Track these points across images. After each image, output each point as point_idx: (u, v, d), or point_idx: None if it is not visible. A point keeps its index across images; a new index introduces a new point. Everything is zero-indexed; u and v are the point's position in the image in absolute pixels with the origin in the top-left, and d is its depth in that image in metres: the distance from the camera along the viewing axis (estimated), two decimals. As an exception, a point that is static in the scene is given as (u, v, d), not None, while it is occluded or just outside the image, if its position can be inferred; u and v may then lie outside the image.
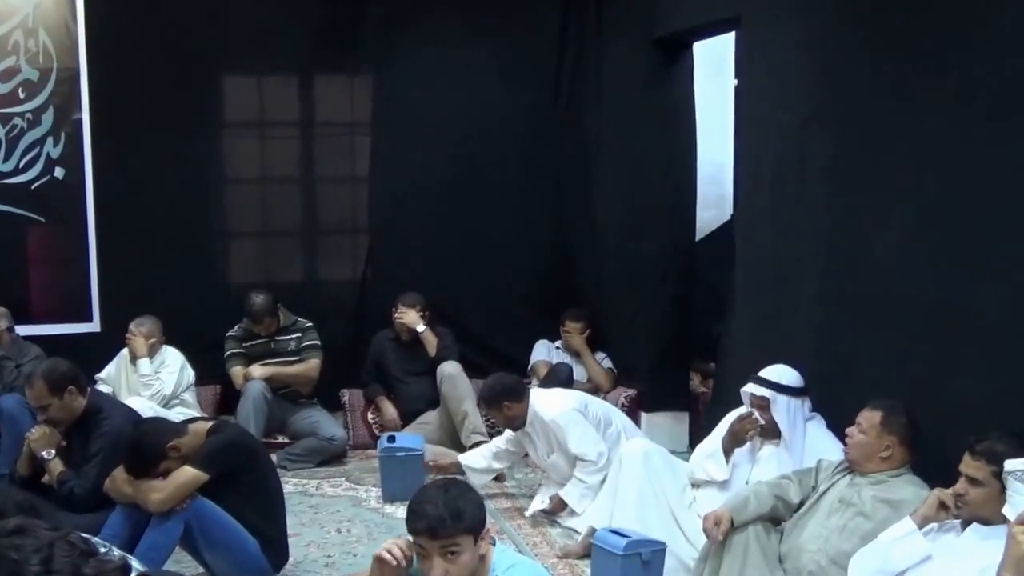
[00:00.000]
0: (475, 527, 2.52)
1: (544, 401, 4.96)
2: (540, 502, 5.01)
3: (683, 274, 6.24)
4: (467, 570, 2.52)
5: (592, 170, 6.71)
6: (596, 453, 4.67)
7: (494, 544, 2.69)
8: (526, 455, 5.31)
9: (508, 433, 5.13)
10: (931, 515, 3.01)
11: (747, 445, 4.16)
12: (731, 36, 5.81)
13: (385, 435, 5.70)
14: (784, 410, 3.99)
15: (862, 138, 4.05)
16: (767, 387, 4.02)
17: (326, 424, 6.15)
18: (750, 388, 4.09)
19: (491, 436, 5.63)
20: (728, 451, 4.18)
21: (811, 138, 4.37)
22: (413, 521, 2.52)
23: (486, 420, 6.04)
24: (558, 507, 4.88)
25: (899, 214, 3.80)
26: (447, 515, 2.46)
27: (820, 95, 4.34)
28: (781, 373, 4.05)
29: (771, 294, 4.72)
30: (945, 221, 3.57)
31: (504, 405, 4.89)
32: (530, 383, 6.39)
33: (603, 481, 4.57)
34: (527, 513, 5.03)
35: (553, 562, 4.39)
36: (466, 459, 5.22)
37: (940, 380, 3.57)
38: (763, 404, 4.03)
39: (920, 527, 3.01)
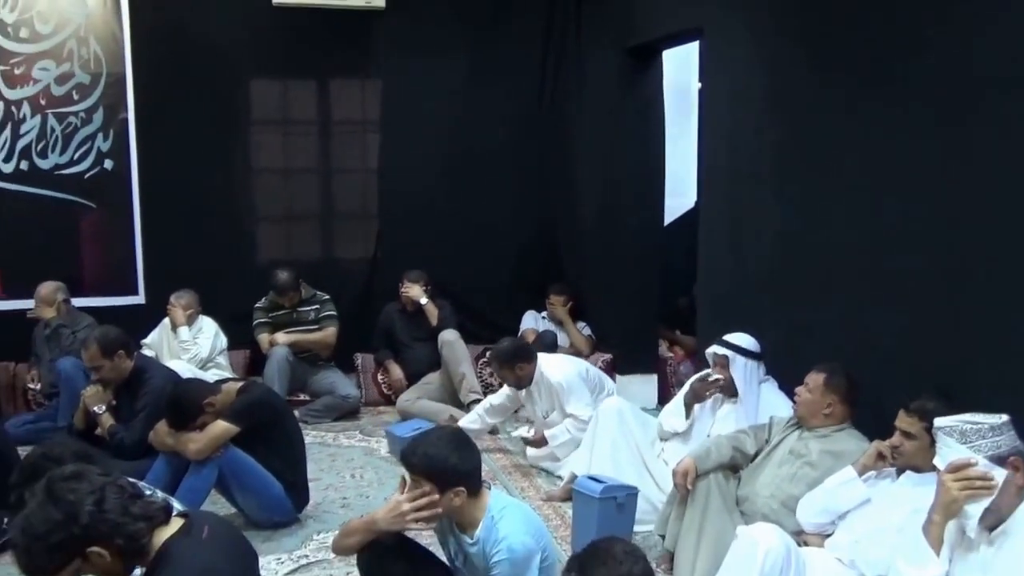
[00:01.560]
0: (437, 477, 2.54)
1: (551, 365, 4.93)
2: (526, 431, 5.05)
3: (653, 254, 6.25)
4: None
5: (573, 163, 6.72)
6: (587, 415, 4.63)
7: (489, 488, 2.69)
8: (516, 411, 5.31)
9: (504, 390, 5.12)
10: (870, 464, 3.02)
11: (708, 403, 4.16)
12: (695, 44, 5.79)
13: (415, 394, 5.74)
14: (741, 369, 3.99)
15: (806, 135, 4.07)
16: (728, 348, 4.02)
17: (342, 384, 6.15)
18: (713, 348, 4.09)
19: (486, 395, 5.62)
20: (689, 406, 4.17)
21: (763, 135, 4.40)
22: (404, 449, 2.66)
23: (481, 380, 6.06)
24: (540, 441, 4.88)
25: (838, 201, 3.84)
26: (416, 455, 2.57)
27: (770, 97, 4.36)
28: (741, 338, 4.04)
29: (730, 273, 4.73)
30: (876, 208, 3.61)
31: (517, 365, 4.87)
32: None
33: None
34: (513, 434, 5.16)
35: (539, 504, 4.41)
36: (464, 423, 5.17)
37: (875, 345, 3.59)
38: (723, 363, 4.03)
39: (860, 475, 3.02)
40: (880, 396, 3.25)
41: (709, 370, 4.15)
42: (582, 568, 2.22)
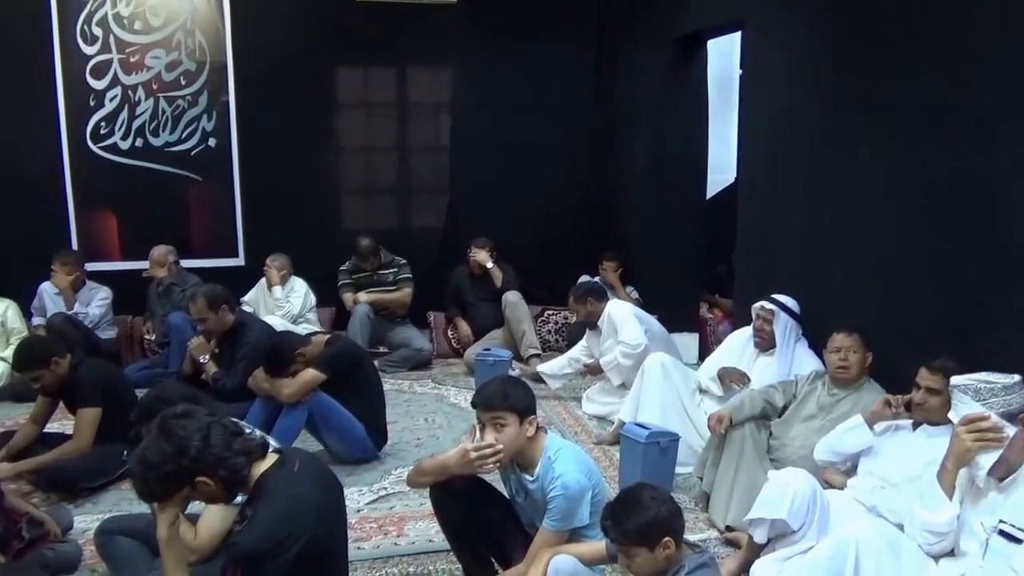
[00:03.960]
0: (519, 409, 2.57)
1: (615, 304, 5.04)
2: (587, 359, 5.10)
3: (696, 225, 6.18)
4: (512, 440, 2.57)
5: (623, 142, 6.63)
6: (636, 343, 4.73)
7: (546, 432, 2.71)
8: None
9: (580, 345, 5.19)
10: (879, 411, 3.00)
11: (746, 357, 4.13)
12: (738, 35, 5.65)
13: (481, 348, 5.73)
14: (783, 325, 3.93)
15: (838, 117, 3.97)
16: (774, 304, 3.96)
17: (416, 338, 6.20)
18: (761, 303, 4.01)
19: (544, 351, 5.62)
20: (723, 382, 4.13)
21: (799, 117, 4.30)
22: (475, 397, 2.65)
23: (539, 337, 6.07)
24: (595, 368, 5.00)
25: (866, 180, 3.74)
26: (497, 395, 2.58)
27: (807, 84, 4.26)
28: (786, 299, 3.99)
29: (765, 243, 4.65)
30: (901, 186, 3.53)
31: (588, 300, 4.96)
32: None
33: (633, 367, 4.59)
34: (580, 363, 5.15)
35: (590, 447, 4.42)
36: (544, 368, 5.26)
37: (901, 311, 3.52)
38: (768, 317, 3.97)
39: (869, 423, 3.00)
40: (904, 358, 3.15)
41: (755, 320, 4.06)
42: (615, 517, 2.23)
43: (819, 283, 4.08)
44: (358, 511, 3.60)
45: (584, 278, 6.56)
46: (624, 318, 4.89)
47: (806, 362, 3.81)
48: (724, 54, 6.47)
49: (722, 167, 6.69)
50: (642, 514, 2.17)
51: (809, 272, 4.17)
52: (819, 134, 4.12)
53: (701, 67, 6.05)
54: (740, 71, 6.16)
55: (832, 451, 3.09)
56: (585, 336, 5.21)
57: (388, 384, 5.03)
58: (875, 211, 3.69)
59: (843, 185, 3.92)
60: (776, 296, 4.00)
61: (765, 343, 4.03)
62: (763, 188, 4.70)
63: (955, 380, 2.48)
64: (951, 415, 2.49)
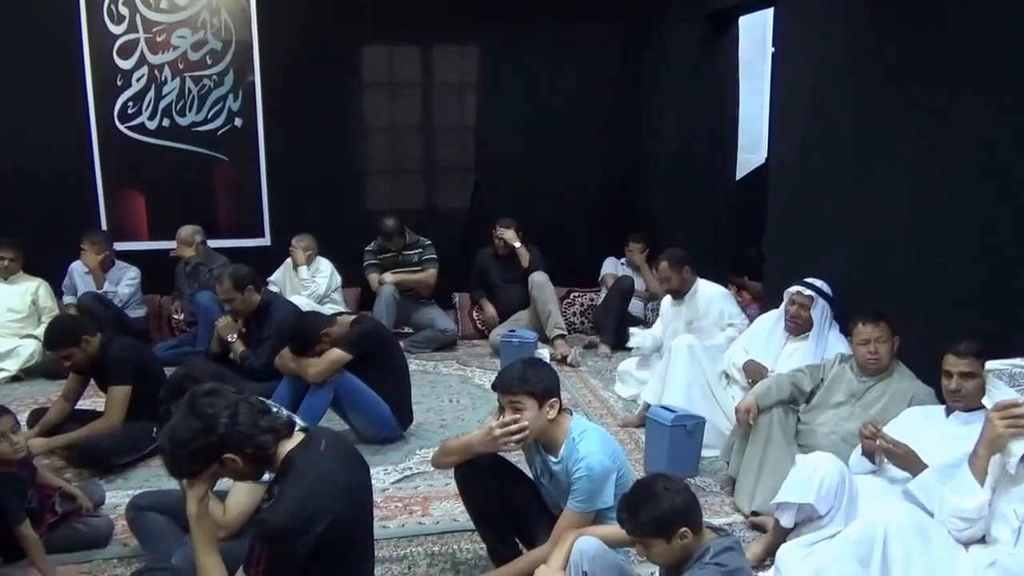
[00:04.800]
0: (537, 393, 2.58)
1: (708, 284, 4.83)
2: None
3: (724, 206, 6.11)
4: (530, 424, 2.58)
5: (652, 122, 6.57)
6: (742, 319, 4.66)
7: (571, 414, 2.72)
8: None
9: (658, 324, 5.02)
10: (867, 448, 2.93)
11: (774, 341, 4.09)
12: (770, 11, 5.56)
13: (506, 329, 5.72)
14: (820, 310, 3.88)
15: (877, 98, 3.87)
16: (811, 289, 3.90)
17: (441, 319, 6.22)
18: (797, 288, 3.94)
19: (569, 332, 5.58)
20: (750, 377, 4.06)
21: (834, 96, 4.19)
22: (496, 380, 2.66)
23: (565, 318, 6.06)
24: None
25: (906, 159, 3.66)
26: (516, 379, 2.59)
27: (842, 60, 4.15)
28: (821, 283, 3.93)
29: (797, 224, 4.58)
30: (942, 165, 3.44)
31: (686, 268, 4.75)
32: (600, 290, 6.39)
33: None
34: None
35: (615, 429, 4.42)
36: (634, 341, 5.11)
37: (938, 294, 3.45)
38: (805, 302, 3.90)
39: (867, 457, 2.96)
40: (939, 342, 3.09)
41: (788, 305, 3.98)
42: (630, 509, 2.23)
43: (852, 266, 4.00)
44: (383, 490, 3.64)
45: (609, 261, 6.55)
46: (728, 299, 4.77)
47: (837, 347, 3.76)
48: (755, 29, 6.36)
49: (752, 146, 6.62)
50: (657, 506, 2.16)
51: (842, 254, 4.10)
52: (856, 112, 4.01)
53: (732, 44, 5.97)
54: (772, 48, 6.07)
55: (862, 461, 3.04)
56: (664, 310, 4.97)
57: (413, 365, 5.05)
58: (914, 191, 3.60)
59: (881, 164, 3.82)
60: (812, 281, 3.93)
61: (799, 329, 3.96)
62: (795, 168, 4.61)
63: (989, 365, 2.45)
64: (984, 400, 2.46)
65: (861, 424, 3.00)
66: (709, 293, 4.77)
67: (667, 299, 4.93)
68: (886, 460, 2.90)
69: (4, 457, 2.87)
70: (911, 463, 2.77)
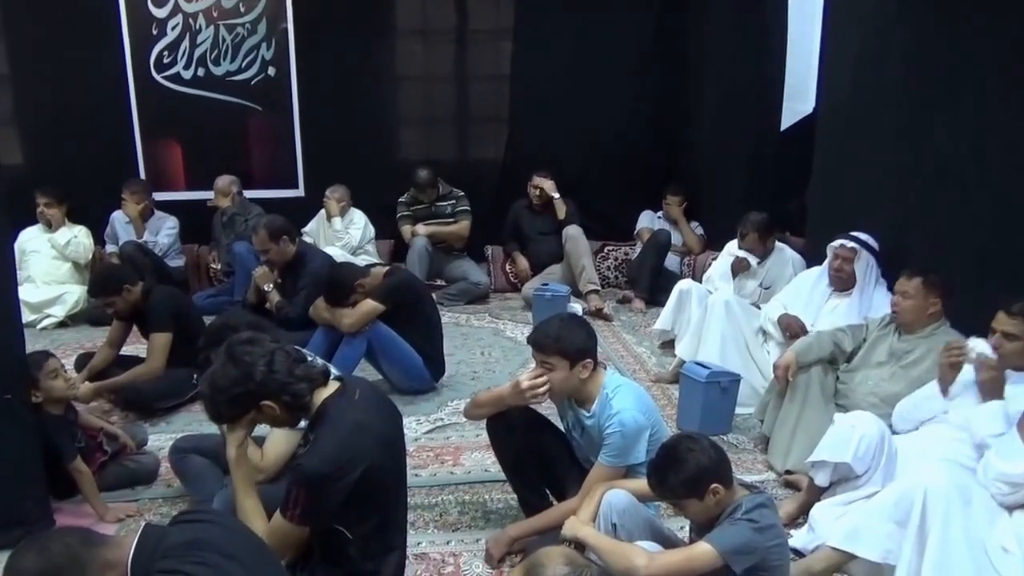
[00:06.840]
0: (570, 353, 2.58)
1: (789, 250, 4.73)
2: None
3: (767, 159, 5.92)
4: (560, 383, 2.60)
5: (693, 71, 6.44)
6: None
7: (605, 368, 2.72)
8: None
9: (717, 265, 4.87)
10: (945, 377, 2.91)
11: (816, 297, 3.99)
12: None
13: (539, 283, 5.72)
14: (864, 264, 3.78)
15: (934, 41, 3.70)
16: (855, 242, 3.80)
17: (473, 272, 6.24)
18: (840, 240, 3.84)
19: (603, 287, 5.56)
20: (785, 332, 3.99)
21: (889, 42, 4.01)
22: (531, 334, 2.69)
23: (599, 273, 6.03)
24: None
25: (965, 113, 3.49)
26: (549, 338, 2.60)
27: (899, 4, 3.96)
28: (867, 237, 3.83)
29: (845, 177, 4.45)
30: (997, 117, 3.30)
31: (771, 236, 4.69)
32: (635, 244, 6.35)
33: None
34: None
35: (648, 385, 4.41)
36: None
37: (987, 250, 3.36)
38: (849, 256, 3.81)
39: (942, 389, 2.91)
40: (994, 302, 3.04)
41: (832, 260, 3.88)
42: (658, 474, 2.22)
43: (903, 222, 3.87)
44: (415, 440, 3.69)
45: (646, 214, 6.48)
46: (802, 263, 4.59)
47: (883, 306, 3.62)
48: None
49: (798, 95, 6.42)
50: (684, 468, 2.16)
51: (892, 210, 3.96)
52: (912, 62, 3.83)
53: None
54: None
55: (907, 419, 3.03)
56: (738, 277, 4.74)
57: (445, 317, 5.08)
58: (974, 147, 3.44)
59: (937, 117, 3.65)
60: (856, 234, 3.83)
61: (843, 283, 3.87)
62: (845, 119, 4.42)
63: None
64: None
65: (904, 383, 2.96)
66: (791, 258, 4.67)
67: (733, 244, 4.77)
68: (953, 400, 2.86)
69: (59, 394, 3.06)
70: (1000, 389, 2.71)
